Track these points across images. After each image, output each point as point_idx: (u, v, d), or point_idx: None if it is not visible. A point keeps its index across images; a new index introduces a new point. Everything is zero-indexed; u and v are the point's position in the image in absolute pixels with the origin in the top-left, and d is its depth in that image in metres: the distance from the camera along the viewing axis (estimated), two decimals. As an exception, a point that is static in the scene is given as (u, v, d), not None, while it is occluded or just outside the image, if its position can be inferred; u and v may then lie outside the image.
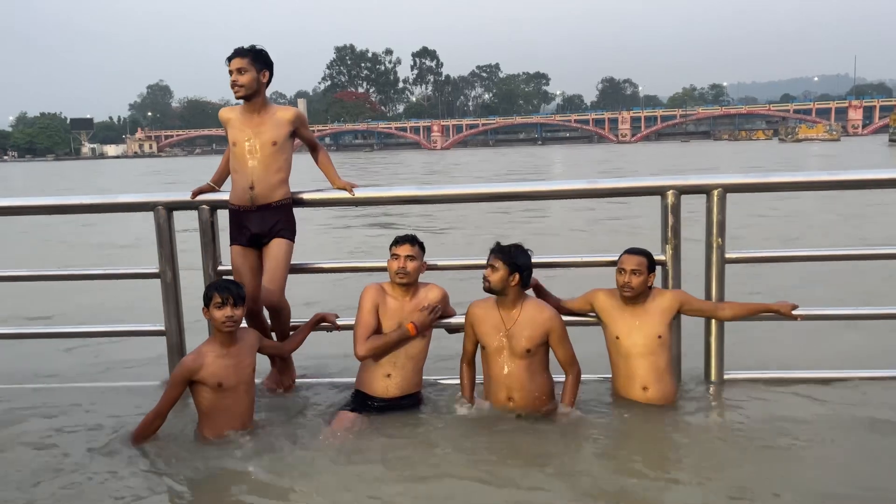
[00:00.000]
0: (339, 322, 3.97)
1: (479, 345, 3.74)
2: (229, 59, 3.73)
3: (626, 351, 3.68)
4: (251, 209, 3.81)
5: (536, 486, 2.99)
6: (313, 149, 4.11)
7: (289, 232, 3.87)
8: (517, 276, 3.56)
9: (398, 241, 3.74)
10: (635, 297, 3.65)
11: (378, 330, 3.70)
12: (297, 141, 4.01)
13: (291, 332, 4.00)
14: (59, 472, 3.23)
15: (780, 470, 3.08)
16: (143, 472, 3.18)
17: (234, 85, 3.72)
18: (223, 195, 3.97)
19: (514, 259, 3.56)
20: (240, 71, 3.69)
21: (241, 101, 3.82)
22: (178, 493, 3.03)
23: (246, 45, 3.76)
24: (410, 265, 3.69)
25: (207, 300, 3.36)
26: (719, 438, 3.44)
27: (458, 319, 3.99)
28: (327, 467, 3.21)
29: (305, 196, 3.99)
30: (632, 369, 3.67)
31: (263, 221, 3.81)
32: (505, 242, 3.67)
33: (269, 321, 3.98)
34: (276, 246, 3.81)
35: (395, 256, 3.71)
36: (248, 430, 3.49)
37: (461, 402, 3.79)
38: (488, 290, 3.61)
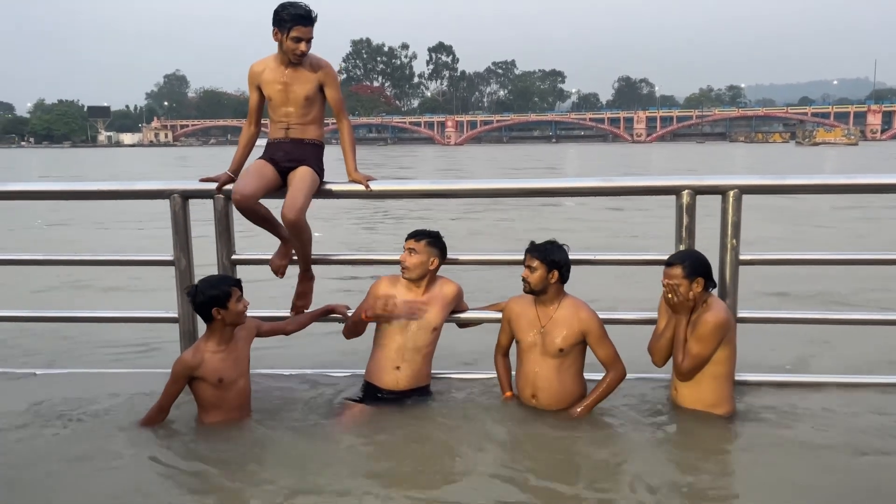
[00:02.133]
0: (350, 313, 3.98)
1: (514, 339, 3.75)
2: (305, 23, 3.61)
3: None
4: (285, 141, 3.86)
5: (549, 481, 2.99)
6: (337, 116, 3.98)
7: (316, 166, 3.88)
8: (556, 273, 3.55)
9: (407, 237, 3.81)
10: (690, 305, 3.47)
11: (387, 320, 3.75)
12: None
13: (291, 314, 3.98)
14: (65, 456, 3.26)
15: (797, 473, 3.06)
16: (149, 460, 3.19)
17: (297, 53, 3.67)
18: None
19: (550, 256, 3.54)
20: (308, 41, 3.69)
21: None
22: (183, 484, 3.03)
23: (312, 10, 3.67)
24: (409, 259, 3.74)
25: (226, 297, 3.34)
26: (736, 442, 3.40)
27: (469, 315, 4.01)
28: (334, 459, 3.22)
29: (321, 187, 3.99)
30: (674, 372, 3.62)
31: (294, 152, 3.84)
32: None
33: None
34: (302, 170, 3.81)
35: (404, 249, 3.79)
36: (248, 420, 3.51)
37: (502, 398, 3.79)
38: (529, 291, 3.60)
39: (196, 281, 3.55)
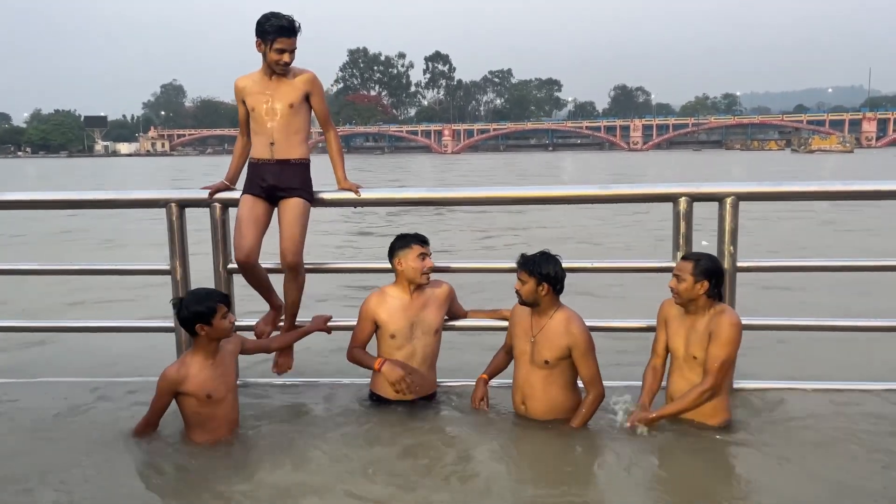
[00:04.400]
0: (333, 323, 3.99)
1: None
2: (288, 34, 3.61)
3: (670, 361, 3.59)
4: (270, 162, 3.81)
5: (551, 492, 2.98)
6: (324, 126, 3.98)
7: (306, 193, 3.85)
8: (546, 286, 3.50)
9: (424, 241, 3.77)
10: (684, 304, 3.46)
11: (388, 331, 3.73)
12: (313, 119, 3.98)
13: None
14: (55, 465, 3.24)
15: (798, 483, 3.04)
16: (138, 474, 3.16)
17: (280, 63, 3.66)
18: (235, 193, 3.97)
19: (539, 269, 3.48)
20: (291, 52, 3.68)
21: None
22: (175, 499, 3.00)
23: (295, 21, 3.66)
24: (430, 264, 3.76)
25: (212, 312, 3.25)
26: (736, 452, 3.37)
27: (467, 322, 4.01)
28: (340, 467, 3.20)
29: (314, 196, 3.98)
30: (670, 381, 3.59)
31: (281, 176, 3.80)
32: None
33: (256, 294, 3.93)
34: (293, 205, 3.79)
35: (423, 256, 3.73)
36: (240, 434, 3.46)
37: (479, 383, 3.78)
38: (523, 303, 3.59)
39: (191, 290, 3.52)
